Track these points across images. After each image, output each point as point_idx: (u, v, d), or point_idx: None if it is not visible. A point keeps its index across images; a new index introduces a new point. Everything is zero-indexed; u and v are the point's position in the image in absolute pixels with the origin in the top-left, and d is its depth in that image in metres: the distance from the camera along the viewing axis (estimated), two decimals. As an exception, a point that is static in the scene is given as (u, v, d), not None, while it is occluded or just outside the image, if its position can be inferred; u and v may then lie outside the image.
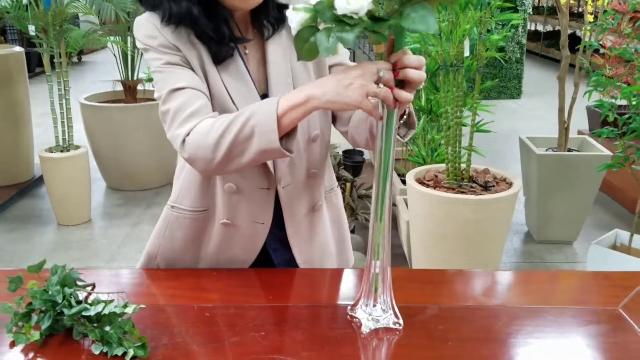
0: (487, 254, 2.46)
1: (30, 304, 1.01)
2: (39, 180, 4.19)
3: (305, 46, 0.82)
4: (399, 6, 0.71)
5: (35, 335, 0.98)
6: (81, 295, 1.05)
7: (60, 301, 0.98)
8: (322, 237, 1.29)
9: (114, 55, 3.96)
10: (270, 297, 1.15)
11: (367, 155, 3.63)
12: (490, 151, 4.67)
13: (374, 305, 1.02)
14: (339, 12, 0.73)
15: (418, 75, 0.89)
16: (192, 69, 1.11)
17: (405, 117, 1.04)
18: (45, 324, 0.99)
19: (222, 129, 1.01)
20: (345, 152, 3.22)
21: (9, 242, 3.33)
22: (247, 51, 1.17)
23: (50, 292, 1.00)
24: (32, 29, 3.25)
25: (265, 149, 1.00)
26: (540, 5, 11.07)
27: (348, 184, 3.13)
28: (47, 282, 1.02)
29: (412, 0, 0.70)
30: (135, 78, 4.05)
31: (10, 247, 3.28)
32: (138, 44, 1.15)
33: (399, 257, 3.02)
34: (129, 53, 3.88)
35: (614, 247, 2.75)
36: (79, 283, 1.06)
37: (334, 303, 1.16)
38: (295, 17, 0.80)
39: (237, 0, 1.08)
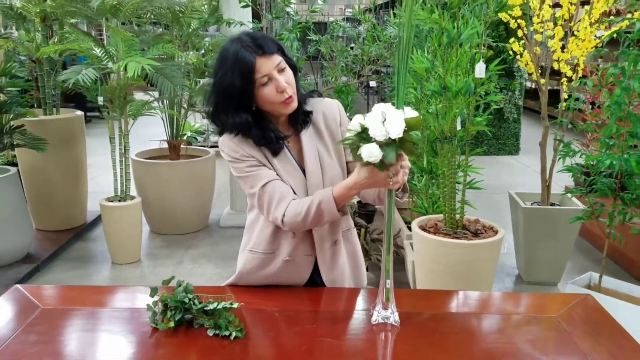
0: (477, 288, 2.91)
1: (165, 304, 1.57)
2: (92, 225, 4.72)
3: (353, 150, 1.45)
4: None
5: (171, 324, 1.53)
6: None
7: (187, 302, 1.54)
8: (341, 264, 1.81)
9: (162, 119, 4.57)
10: (315, 304, 1.71)
11: (378, 205, 4.18)
12: (490, 202, 5.23)
13: (385, 309, 1.56)
14: (392, 135, 1.35)
15: (405, 172, 1.50)
16: (265, 165, 1.67)
17: (401, 187, 1.61)
18: (176, 317, 1.53)
19: (305, 212, 1.60)
20: (359, 202, 3.75)
21: (73, 279, 3.83)
22: (289, 143, 1.74)
23: (178, 297, 1.56)
24: (100, 99, 3.87)
25: (332, 218, 1.63)
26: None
27: (362, 230, 3.67)
28: (175, 290, 1.58)
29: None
30: (179, 138, 4.63)
31: (74, 282, 3.76)
32: (224, 156, 1.69)
33: (406, 293, 3.48)
34: (175, 117, 4.49)
35: (588, 286, 3.17)
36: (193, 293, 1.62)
37: (355, 309, 1.70)
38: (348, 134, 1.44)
39: (282, 108, 1.63)
